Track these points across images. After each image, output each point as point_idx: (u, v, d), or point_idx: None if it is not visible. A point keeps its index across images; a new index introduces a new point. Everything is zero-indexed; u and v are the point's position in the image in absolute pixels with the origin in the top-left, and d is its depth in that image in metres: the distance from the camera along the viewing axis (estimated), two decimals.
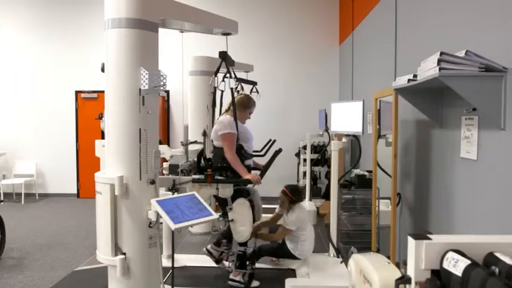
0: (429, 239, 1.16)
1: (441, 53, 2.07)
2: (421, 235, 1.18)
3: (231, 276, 3.63)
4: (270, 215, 4.24)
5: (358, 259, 1.53)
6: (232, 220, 3.39)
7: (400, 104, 2.91)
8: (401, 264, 2.27)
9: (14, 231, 5.35)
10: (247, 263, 3.66)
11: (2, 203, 6.63)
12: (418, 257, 1.16)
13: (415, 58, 3.03)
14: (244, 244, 3.58)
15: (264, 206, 4.24)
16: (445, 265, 1.11)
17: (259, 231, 3.95)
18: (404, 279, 1.18)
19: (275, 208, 4.20)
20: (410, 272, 1.17)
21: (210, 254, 3.85)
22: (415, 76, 2.47)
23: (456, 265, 1.07)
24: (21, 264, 4.29)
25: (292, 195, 3.85)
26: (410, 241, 1.17)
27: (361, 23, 5.78)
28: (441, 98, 2.74)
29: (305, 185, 6.52)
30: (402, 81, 2.66)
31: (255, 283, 3.63)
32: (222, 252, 3.81)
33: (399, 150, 3.22)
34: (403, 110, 3.07)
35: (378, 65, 4.72)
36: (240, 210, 3.40)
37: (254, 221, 3.68)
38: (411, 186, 3.41)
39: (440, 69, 2.04)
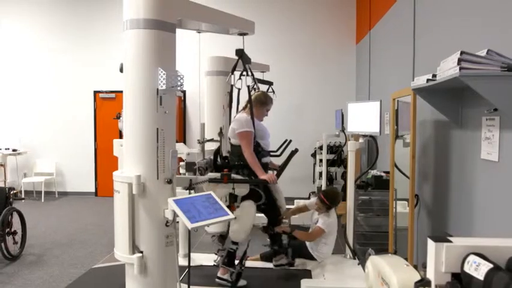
0: (450, 241, 1.14)
1: (461, 52, 2.04)
2: (441, 237, 1.16)
3: (218, 274, 3.65)
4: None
5: (375, 261, 1.51)
6: (235, 218, 3.37)
7: (418, 104, 2.87)
8: (419, 266, 2.23)
9: (34, 228, 5.46)
10: (241, 261, 3.63)
11: (23, 201, 6.78)
12: (438, 259, 1.13)
13: (434, 58, 2.98)
14: (236, 243, 3.58)
15: None
16: (466, 268, 1.08)
17: (286, 218, 3.99)
18: (423, 282, 1.16)
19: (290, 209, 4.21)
20: (430, 275, 1.15)
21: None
22: (434, 76, 2.43)
23: (478, 269, 1.04)
24: (41, 260, 4.38)
25: (329, 201, 3.87)
26: (430, 243, 1.15)
27: (378, 22, 5.72)
28: (461, 98, 2.69)
29: (321, 185, 6.50)
30: (421, 81, 2.62)
31: (242, 282, 3.62)
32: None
33: (417, 151, 3.17)
34: (421, 110, 3.02)
35: (396, 65, 4.67)
36: (246, 212, 3.40)
37: (278, 221, 3.72)
38: (429, 188, 3.36)
39: (460, 68, 2.01)
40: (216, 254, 3.76)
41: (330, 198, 3.87)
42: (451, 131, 2.90)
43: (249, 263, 3.99)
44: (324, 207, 3.88)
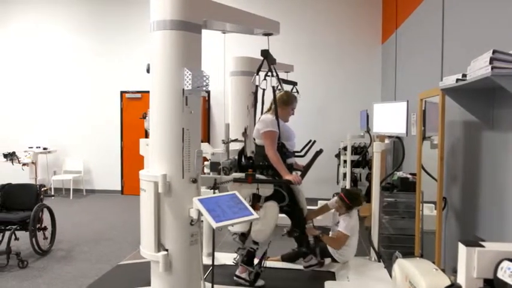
0: (482, 246, 1.11)
1: (494, 51, 1.98)
2: (473, 242, 1.13)
3: (236, 272, 3.65)
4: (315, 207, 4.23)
5: (403, 264, 1.48)
6: (259, 218, 3.38)
7: (446, 105, 2.80)
8: (447, 271, 2.18)
9: (63, 224, 5.61)
10: (260, 262, 3.63)
11: (52, 198, 6.99)
12: (470, 264, 1.10)
13: (464, 57, 2.90)
14: (257, 243, 3.57)
15: None
16: (500, 275, 1.05)
17: (309, 222, 3.91)
18: (454, 287, 1.13)
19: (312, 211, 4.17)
20: (461, 280, 1.13)
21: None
22: (464, 76, 2.37)
23: None
24: (69, 256, 4.51)
25: (350, 201, 3.79)
26: (461, 248, 1.12)
27: (405, 21, 5.61)
28: (492, 98, 2.61)
29: (345, 186, 6.43)
30: (450, 81, 2.56)
31: (260, 282, 3.61)
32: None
33: (445, 152, 3.10)
34: (449, 111, 2.95)
35: (423, 65, 4.57)
36: (269, 212, 3.40)
37: (303, 222, 3.70)
38: (458, 191, 3.27)
39: (493, 68, 1.95)
40: (236, 252, 3.77)
41: (351, 198, 3.80)
42: (481, 132, 2.82)
43: (270, 264, 3.99)
44: (344, 208, 3.81)
